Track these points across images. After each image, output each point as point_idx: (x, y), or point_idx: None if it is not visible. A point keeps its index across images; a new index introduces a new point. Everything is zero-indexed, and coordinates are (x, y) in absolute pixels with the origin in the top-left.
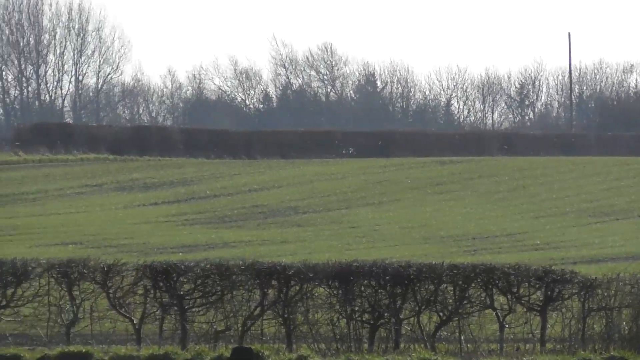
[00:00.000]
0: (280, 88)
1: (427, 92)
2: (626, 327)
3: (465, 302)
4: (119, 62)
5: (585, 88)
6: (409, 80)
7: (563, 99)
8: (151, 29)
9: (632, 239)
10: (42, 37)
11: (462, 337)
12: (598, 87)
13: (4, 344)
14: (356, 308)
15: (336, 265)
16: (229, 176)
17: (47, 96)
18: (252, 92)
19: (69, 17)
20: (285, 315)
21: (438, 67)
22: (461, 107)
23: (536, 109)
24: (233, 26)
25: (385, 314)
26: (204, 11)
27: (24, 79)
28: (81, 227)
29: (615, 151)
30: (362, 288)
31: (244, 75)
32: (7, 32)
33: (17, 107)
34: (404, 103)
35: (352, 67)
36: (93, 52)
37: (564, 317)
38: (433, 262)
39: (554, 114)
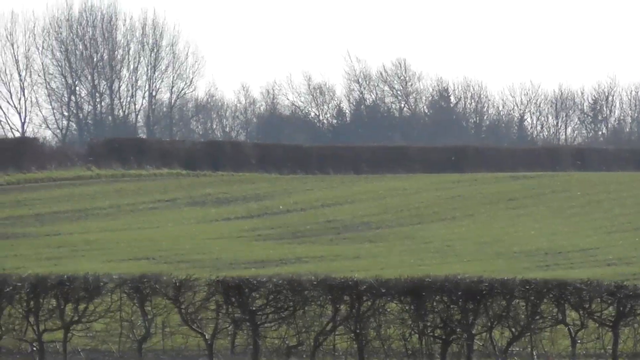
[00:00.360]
0: (354, 103)
1: (500, 108)
2: None
3: (537, 317)
4: (192, 78)
5: None
6: (482, 96)
7: (636, 114)
8: (225, 44)
9: None
10: (116, 52)
11: (534, 353)
12: None
13: (76, 359)
14: (428, 323)
15: (408, 280)
16: (302, 191)
17: (120, 111)
18: (326, 107)
19: (142, 32)
20: (357, 331)
21: (511, 83)
22: (534, 122)
23: (609, 124)
24: (307, 42)
25: (458, 330)
26: (278, 26)
27: (97, 94)
28: (154, 243)
29: None
30: (435, 303)
31: (317, 91)
32: (80, 47)
33: (90, 122)
34: (477, 118)
35: (425, 82)
36: (167, 67)
37: (636, 333)
38: (505, 278)
39: (627, 129)
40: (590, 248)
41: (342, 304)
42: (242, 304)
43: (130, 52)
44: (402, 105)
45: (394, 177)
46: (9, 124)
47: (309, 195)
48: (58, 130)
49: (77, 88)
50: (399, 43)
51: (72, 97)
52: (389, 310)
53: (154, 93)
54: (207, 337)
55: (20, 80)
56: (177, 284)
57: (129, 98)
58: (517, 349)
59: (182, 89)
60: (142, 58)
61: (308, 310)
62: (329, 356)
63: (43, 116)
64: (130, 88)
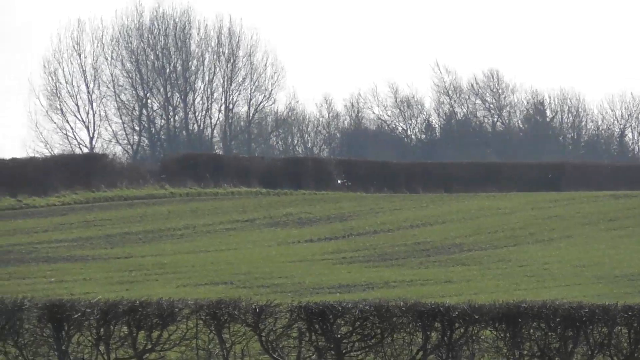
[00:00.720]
0: (444, 117)
1: (599, 122)
2: None
3: None
4: (271, 90)
5: None
6: (580, 109)
7: None
8: (306, 54)
9: None
10: (190, 62)
11: None
12: None
13: None
14: (525, 352)
15: (503, 306)
16: (389, 211)
17: (195, 126)
18: (414, 121)
19: (218, 42)
20: None
21: (611, 95)
22: (636, 137)
23: None
24: (393, 50)
25: (556, 358)
26: (362, 34)
27: (170, 108)
28: (231, 266)
29: None
30: (531, 331)
31: (405, 104)
32: (152, 57)
33: (163, 137)
34: (575, 133)
35: (519, 95)
36: (244, 79)
37: None
38: (606, 303)
39: None
40: None
41: (433, 331)
42: (326, 332)
43: (205, 62)
44: (495, 119)
45: (487, 196)
46: (76, 139)
47: (397, 215)
48: (129, 146)
49: (149, 101)
50: (491, 52)
51: (144, 111)
52: (482, 337)
53: (230, 106)
54: None
55: (88, 92)
56: (257, 310)
57: (204, 112)
58: None
59: (261, 102)
60: (217, 69)
61: (397, 338)
62: None
63: (113, 131)
64: (205, 101)
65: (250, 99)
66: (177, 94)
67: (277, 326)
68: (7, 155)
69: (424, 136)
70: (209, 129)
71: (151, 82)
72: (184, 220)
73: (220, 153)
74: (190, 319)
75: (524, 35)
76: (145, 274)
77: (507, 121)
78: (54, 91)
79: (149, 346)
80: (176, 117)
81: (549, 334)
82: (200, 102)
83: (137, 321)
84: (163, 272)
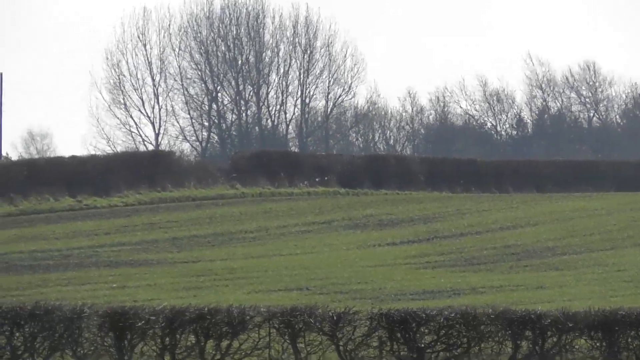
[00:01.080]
0: (536, 112)
1: None
2: None
3: None
4: (351, 83)
5: None
6: None
7: None
8: (388, 45)
9: None
10: (264, 54)
11: None
12: None
13: None
14: None
15: (599, 313)
16: (477, 212)
17: (268, 121)
18: (504, 116)
19: (294, 32)
20: None
21: None
22: None
23: None
24: (482, 42)
25: None
26: (449, 25)
27: (242, 102)
28: (307, 270)
29: None
30: (629, 340)
31: (494, 98)
32: (223, 48)
33: (234, 133)
34: None
35: (618, 88)
36: (322, 71)
37: None
38: None
39: None
40: None
41: (524, 340)
42: (409, 340)
43: (280, 53)
44: (591, 114)
45: (582, 196)
46: (141, 136)
47: (485, 216)
48: (197, 143)
49: (219, 95)
50: (587, 43)
51: (214, 105)
52: (576, 347)
53: (307, 100)
54: None
55: (154, 86)
56: (335, 318)
57: (278, 106)
58: None
59: (340, 96)
60: (293, 61)
61: (484, 348)
62: None
63: (180, 127)
64: (279, 95)
65: (328, 93)
66: (249, 87)
67: (356, 335)
68: (67, 152)
69: (514, 132)
70: (284, 125)
71: (222, 75)
72: (256, 222)
73: (296, 150)
74: (262, 328)
75: (622, 24)
76: (214, 279)
77: (604, 116)
78: (117, 84)
79: (218, 356)
80: (248, 112)
81: None
82: (274, 96)
83: (205, 330)
84: (233, 277)
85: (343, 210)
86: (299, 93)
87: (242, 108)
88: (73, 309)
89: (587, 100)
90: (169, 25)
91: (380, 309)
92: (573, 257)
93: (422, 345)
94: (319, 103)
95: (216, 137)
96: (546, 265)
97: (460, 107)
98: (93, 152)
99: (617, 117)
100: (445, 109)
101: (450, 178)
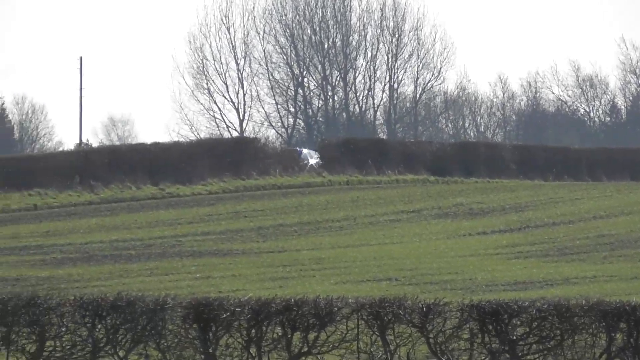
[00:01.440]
0: (630, 98)
1: None
2: None
3: None
4: (440, 68)
5: None
6: None
7: None
8: (478, 28)
9: None
10: (351, 37)
11: None
12: None
13: None
14: None
15: None
16: (570, 201)
17: (356, 107)
18: (597, 102)
19: (381, 15)
20: None
21: None
22: None
23: None
24: (574, 26)
25: None
26: (541, 9)
27: (329, 87)
28: (396, 260)
29: None
30: None
31: (587, 83)
32: (309, 31)
33: (320, 119)
34: None
35: None
36: (410, 55)
37: None
38: None
39: None
40: None
41: (618, 333)
42: (500, 333)
43: (368, 37)
44: None
45: None
46: (225, 122)
47: (578, 205)
48: (283, 129)
49: (305, 80)
50: None
51: (299, 91)
52: None
53: (395, 86)
54: None
55: (238, 70)
56: (424, 309)
57: (366, 91)
58: None
59: (429, 81)
60: (381, 45)
61: (578, 340)
62: None
63: (265, 112)
64: (367, 80)
65: (417, 78)
66: (336, 72)
67: (446, 327)
68: (149, 139)
69: (608, 119)
70: (371, 111)
71: (308, 59)
72: (344, 210)
73: (384, 137)
74: (350, 319)
75: None
76: (301, 269)
77: None
78: (201, 69)
79: (305, 349)
80: (335, 98)
81: None
82: (362, 81)
83: (292, 321)
84: (320, 267)
85: (432, 199)
86: (387, 78)
87: (329, 93)
88: (156, 300)
89: None
90: (253, 8)
91: (471, 300)
92: None
93: (514, 338)
94: (407, 88)
95: (302, 124)
96: None
97: (552, 92)
98: (176, 139)
99: None
100: (537, 95)
101: (542, 166)
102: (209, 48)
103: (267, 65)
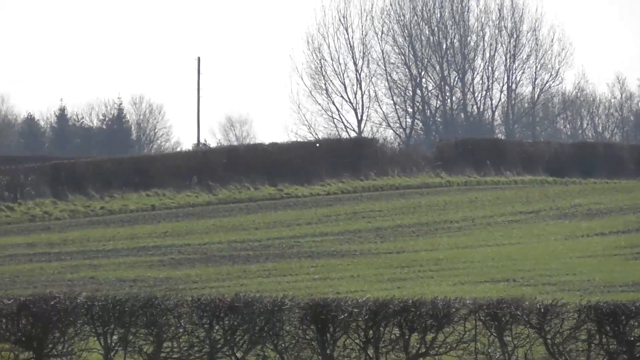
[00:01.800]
0: None
1: None
2: None
3: None
4: (558, 68)
5: None
6: None
7: None
8: (596, 29)
9: None
10: (469, 38)
11: None
12: None
13: None
14: None
15: None
16: None
17: (474, 108)
18: None
19: (499, 15)
20: None
21: None
22: None
23: None
24: None
25: None
26: None
27: (447, 88)
28: (514, 261)
29: None
30: None
31: None
32: (427, 32)
33: (439, 120)
34: None
35: None
36: (528, 56)
37: None
38: None
39: None
40: None
41: None
42: (618, 334)
43: (486, 38)
44: None
45: None
46: (343, 123)
47: None
48: (401, 130)
49: (423, 80)
50: None
51: (418, 91)
52: None
53: (513, 86)
54: None
55: (356, 71)
56: (542, 310)
57: (483, 92)
58: None
59: (547, 82)
60: (499, 45)
61: None
62: None
63: (383, 113)
64: (485, 80)
65: (535, 78)
66: (454, 72)
67: (563, 328)
68: (267, 139)
69: None
70: (489, 111)
71: (426, 60)
72: (462, 211)
73: (502, 138)
74: (468, 320)
75: None
76: (419, 270)
77: None
78: (319, 69)
79: (423, 350)
80: (453, 98)
81: None
82: (480, 82)
83: (409, 322)
84: (438, 268)
85: (550, 200)
86: (505, 79)
87: (447, 94)
88: (274, 301)
89: None
90: (372, 8)
91: (588, 301)
92: None
93: (632, 339)
94: (525, 89)
95: (420, 124)
96: None
97: None
98: (294, 139)
99: None
100: None
101: None
102: (327, 48)
103: (385, 66)
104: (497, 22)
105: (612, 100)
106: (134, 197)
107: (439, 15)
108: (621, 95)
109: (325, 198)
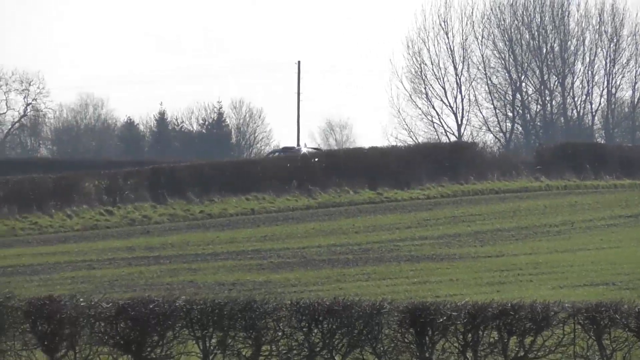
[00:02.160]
0: None
1: None
2: None
3: None
4: None
5: None
6: None
7: None
8: None
9: None
10: (569, 42)
11: None
12: None
13: None
14: None
15: None
16: None
17: (574, 112)
18: None
19: (599, 20)
20: None
21: None
22: None
23: None
24: None
25: None
26: None
27: (546, 92)
28: (613, 265)
29: None
30: None
31: None
32: (527, 36)
33: (539, 124)
34: None
35: None
36: (628, 60)
37: None
38: None
39: None
40: None
41: None
42: None
43: (586, 42)
44: None
45: None
46: (442, 127)
47: None
48: (501, 134)
49: (524, 84)
50: None
51: (518, 95)
52: None
53: (613, 90)
54: None
55: (457, 75)
56: None
57: (584, 96)
58: None
59: None
60: (599, 49)
61: None
62: None
63: (483, 117)
64: (585, 85)
65: (635, 83)
66: (554, 76)
67: None
68: (366, 143)
69: None
70: (589, 116)
71: (526, 64)
72: (561, 215)
73: (602, 142)
74: (566, 324)
75: None
76: (518, 274)
77: None
78: (419, 73)
79: (521, 353)
80: (553, 103)
81: None
82: (580, 86)
83: (508, 326)
84: (537, 272)
85: None
86: (605, 83)
87: (547, 98)
88: (372, 304)
89: None
90: (472, 12)
91: None
92: None
93: None
94: (625, 93)
95: (520, 128)
96: None
97: None
98: (394, 143)
99: None
100: None
101: None
102: (427, 52)
103: (485, 70)
104: (598, 27)
105: None
106: (233, 201)
107: (539, 19)
108: None
109: (424, 202)
